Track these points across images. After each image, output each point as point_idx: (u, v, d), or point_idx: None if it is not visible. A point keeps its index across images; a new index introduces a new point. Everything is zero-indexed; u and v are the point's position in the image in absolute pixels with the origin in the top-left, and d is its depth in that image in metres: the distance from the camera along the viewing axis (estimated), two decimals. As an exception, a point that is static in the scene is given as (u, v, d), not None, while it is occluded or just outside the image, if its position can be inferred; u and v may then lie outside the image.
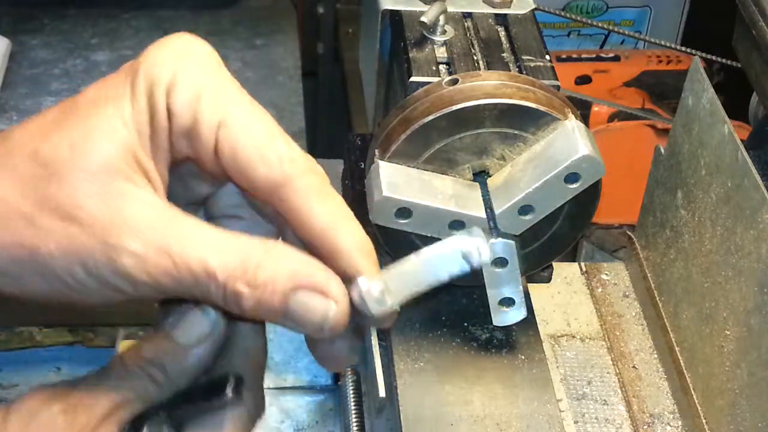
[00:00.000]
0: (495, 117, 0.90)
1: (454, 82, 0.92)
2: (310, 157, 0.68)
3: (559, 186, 0.90)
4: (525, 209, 0.91)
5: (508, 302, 0.96)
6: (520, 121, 0.91)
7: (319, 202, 0.66)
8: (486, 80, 0.92)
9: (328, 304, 0.64)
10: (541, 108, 0.90)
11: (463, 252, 0.64)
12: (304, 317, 0.64)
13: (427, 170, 0.92)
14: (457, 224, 0.90)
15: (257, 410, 0.70)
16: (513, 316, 0.97)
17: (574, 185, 0.90)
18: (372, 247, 0.67)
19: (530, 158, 0.91)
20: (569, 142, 0.89)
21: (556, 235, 0.98)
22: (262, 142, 0.66)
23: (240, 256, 0.63)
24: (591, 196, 0.94)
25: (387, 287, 0.66)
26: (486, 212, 0.92)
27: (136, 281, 0.62)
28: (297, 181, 0.65)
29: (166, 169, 0.66)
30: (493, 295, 0.95)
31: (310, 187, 0.66)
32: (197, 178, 0.70)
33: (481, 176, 0.94)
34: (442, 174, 0.93)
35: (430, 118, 0.90)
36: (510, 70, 1.01)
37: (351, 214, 0.67)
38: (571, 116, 0.91)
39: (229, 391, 0.68)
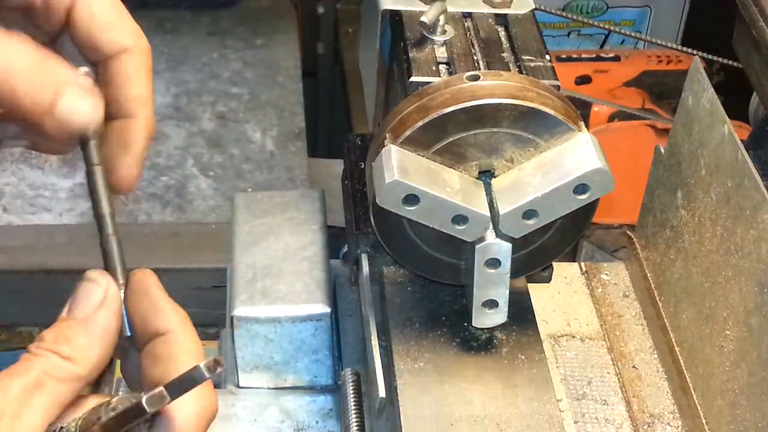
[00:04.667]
0: (513, 118, 0.90)
1: (475, 78, 0.92)
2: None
3: (568, 195, 0.90)
4: (529, 213, 0.91)
5: (491, 305, 0.96)
6: (536, 126, 0.91)
7: (141, 78, 0.76)
8: (508, 81, 0.92)
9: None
10: (559, 116, 0.90)
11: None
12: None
13: (435, 162, 0.92)
14: (461, 219, 0.91)
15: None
16: (494, 319, 0.97)
17: (583, 196, 0.90)
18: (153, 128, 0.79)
19: (540, 164, 0.91)
20: (583, 153, 0.89)
21: (545, 246, 0.98)
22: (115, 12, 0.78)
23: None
24: (586, 212, 0.95)
25: None
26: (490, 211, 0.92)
27: None
28: (137, 53, 0.76)
29: None
30: (478, 296, 0.95)
31: (142, 62, 0.76)
32: None
33: (485, 175, 0.94)
34: (450, 168, 0.93)
35: (451, 109, 0.90)
36: (510, 71, 1.01)
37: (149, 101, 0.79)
38: (584, 128, 0.92)
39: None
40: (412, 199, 0.89)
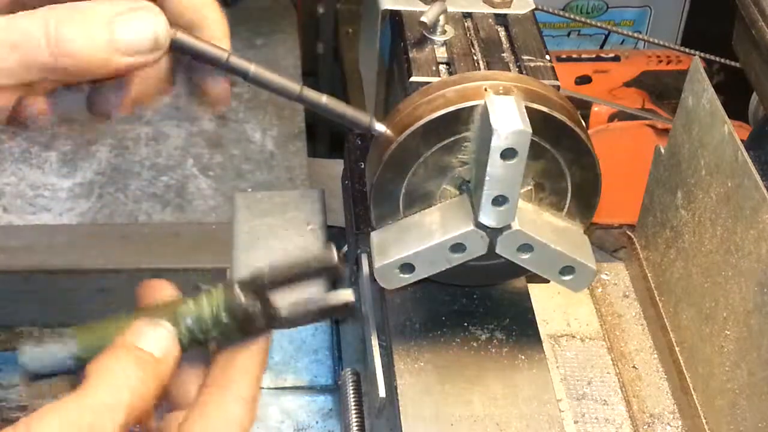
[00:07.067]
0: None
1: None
2: None
3: (502, 166, 0.86)
4: (498, 200, 0.89)
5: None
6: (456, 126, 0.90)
7: None
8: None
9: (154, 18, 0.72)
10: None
11: None
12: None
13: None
14: (458, 247, 0.90)
15: None
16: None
17: (513, 160, 0.86)
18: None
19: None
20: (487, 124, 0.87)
21: None
22: None
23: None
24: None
25: None
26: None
27: None
28: None
29: None
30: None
31: None
32: None
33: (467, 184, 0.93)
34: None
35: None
36: (510, 71, 1.01)
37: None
38: (488, 93, 0.89)
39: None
40: (406, 267, 0.91)
